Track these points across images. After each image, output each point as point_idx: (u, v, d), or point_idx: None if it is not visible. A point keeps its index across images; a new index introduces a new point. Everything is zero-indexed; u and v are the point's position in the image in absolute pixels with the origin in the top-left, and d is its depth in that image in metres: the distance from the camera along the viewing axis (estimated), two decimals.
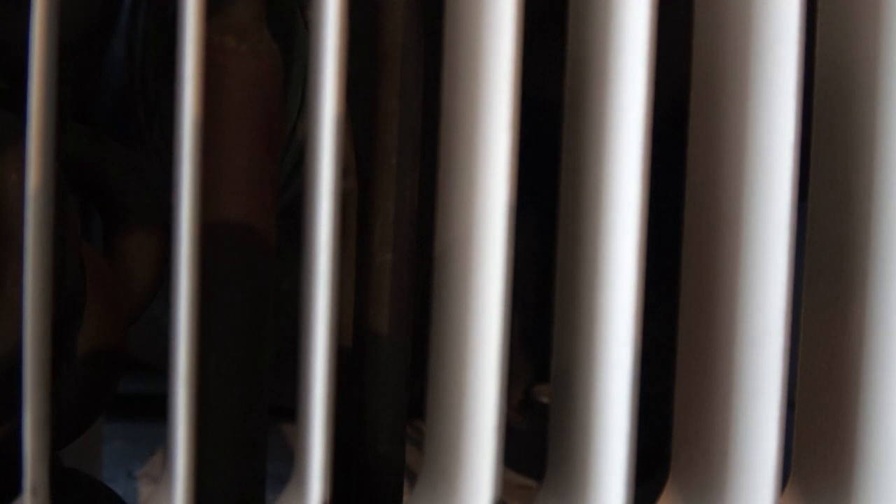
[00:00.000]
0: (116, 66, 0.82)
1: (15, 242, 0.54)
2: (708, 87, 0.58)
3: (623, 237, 0.56)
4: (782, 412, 0.57)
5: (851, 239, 0.58)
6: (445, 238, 0.57)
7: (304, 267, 0.55)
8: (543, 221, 0.80)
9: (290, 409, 0.57)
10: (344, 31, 0.53)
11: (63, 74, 0.55)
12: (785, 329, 0.56)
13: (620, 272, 0.56)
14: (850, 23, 0.58)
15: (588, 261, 0.57)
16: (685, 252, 0.59)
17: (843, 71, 0.58)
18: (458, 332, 0.56)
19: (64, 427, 0.59)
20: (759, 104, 0.56)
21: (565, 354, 0.59)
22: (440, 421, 0.57)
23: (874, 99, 0.57)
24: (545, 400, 0.82)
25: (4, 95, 0.58)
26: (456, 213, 0.56)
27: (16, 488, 0.54)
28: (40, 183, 0.52)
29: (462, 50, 0.56)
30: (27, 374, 0.53)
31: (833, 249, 0.59)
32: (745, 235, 0.57)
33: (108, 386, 0.60)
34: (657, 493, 0.61)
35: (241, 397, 0.57)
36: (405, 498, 0.58)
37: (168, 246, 0.57)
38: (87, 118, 0.82)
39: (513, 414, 0.83)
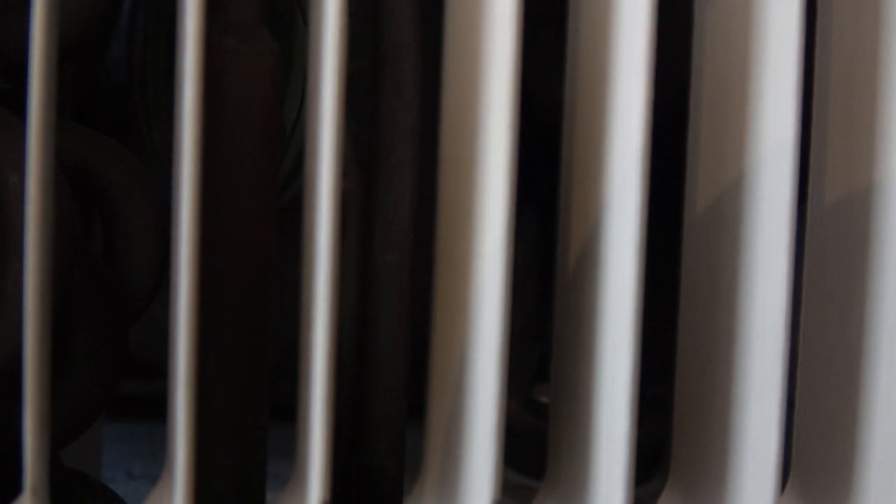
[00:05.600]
0: (116, 66, 0.82)
1: (15, 242, 0.54)
2: (708, 86, 0.58)
3: (623, 237, 0.56)
4: (782, 412, 0.57)
5: (851, 239, 0.58)
6: (445, 238, 0.57)
7: (304, 267, 0.55)
8: (543, 221, 0.80)
9: (290, 409, 0.57)
10: (344, 31, 0.53)
11: (63, 74, 0.55)
12: (785, 329, 0.56)
13: (620, 272, 0.56)
14: (850, 23, 0.58)
15: (588, 260, 0.57)
16: (685, 252, 0.59)
17: (843, 71, 0.58)
18: (458, 332, 0.56)
19: (64, 427, 0.59)
20: (759, 104, 0.56)
21: (565, 354, 0.59)
22: (440, 421, 0.57)
23: (874, 99, 0.57)
24: (545, 400, 0.82)
25: (4, 95, 0.58)
26: (456, 213, 0.56)
27: (16, 488, 0.54)
28: (40, 183, 0.52)
29: (462, 50, 0.56)
30: (27, 374, 0.53)
31: (833, 249, 0.59)
32: (745, 235, 0.57)
33: (108, 386, 0.60)
34: (657, 493, 0.61)
35: (241, 397, 0.57)
36: (405, 498, 0.58)
37: (168, 246, 0.57)
38: (87, 118, 0.82)
39: (513, 414, 0.83)
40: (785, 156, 0.56)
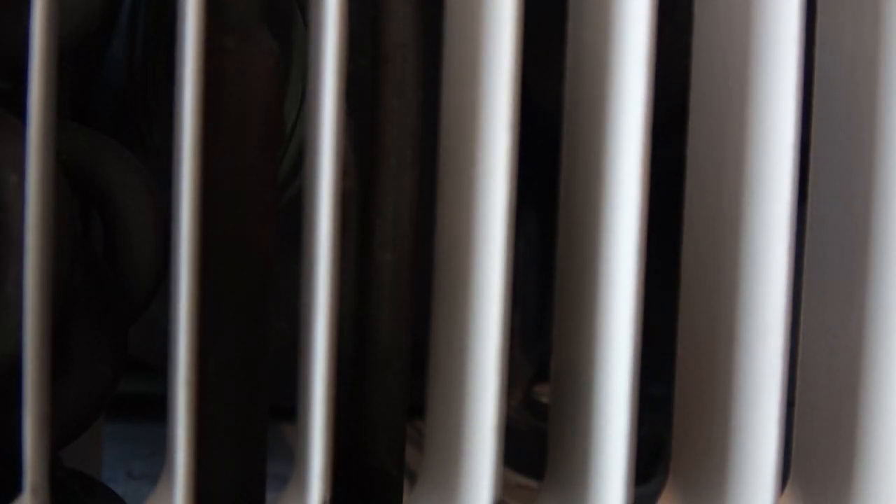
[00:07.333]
0: (116, 66, 0.82)
1: (15, 242, 0.54)
2: (708, 86, 0.58)
3: (623, 237, 0.56)
4: (782, 412, 0.57)
5: (851, 239, 0.58)
6: (445, 238, 0.57)
7: (304, 267, 0.55)
8: (543, 221, 0.80)
9: (290, 409, 0.57)
10: (344, 31, 0.53)
11: (63, 74, 0.55)
12: (785, 329, 0.56)
13: (620, 272, 0.56)
14: (850, 23, 0.58)
15: (588, 260, 0.57)
16: (685, 252, 0.59)
17: (843, 71, 0.58)
18: (458, 331, 0.56)
19: (64, 427, 0.59)
20: (759, 104, 0.56)
21: (565, 354, 0.59)
22: (440, 421, 0.57)
23: (874, 98, 0.57)
24: (545, 400, 0.82)
25: (4, 95, 0.58)
26: (456, 213, 0.56)
27: (16, 488, 0.54)
28: (40, 183, 0.52)
29: (462, 50, 0.56)
30: (27, 374, 0.53)
31: (833, 249, 0.59)
32: (745, 235, 0.57)
33: (108, 386, 0.60)
34: (657, 493, 0.61)
35: (241, 397, 0.57)
36: (405, 498, 0.58)
37: (168, 246, 0.57)
38: (87, 118, 0.82)
39: (513, 414, 0.83)
40: (785, 156, 0.56)
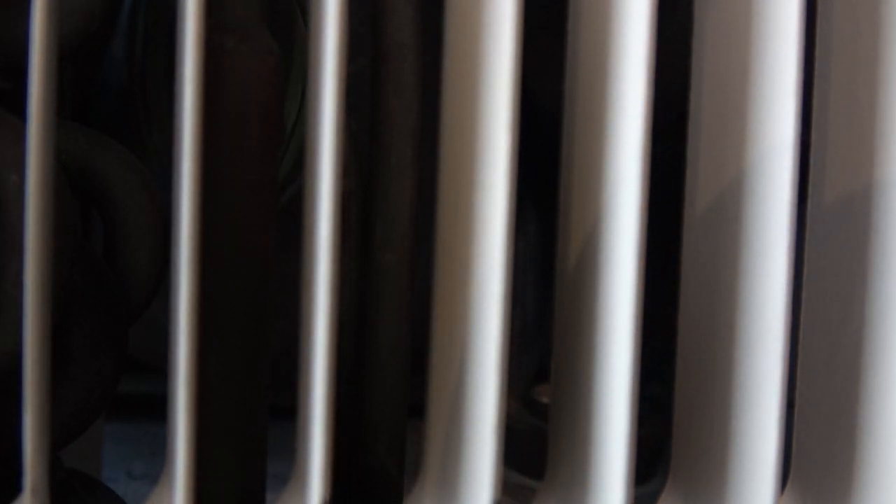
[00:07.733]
0: (116, 66, 0.82)
1: (15, 242, 0.54)
2: (708, 86, 0.58)
3: (623, 236, 0.56)
4: (782, 412, 0.57)
5: (851, 239, 0.58)
6: (445, 238, 0.57)
7: (304, 267, 0.55)
8: (543, 221, 0.80)
9: (290, 409, 0.57)
10: (344, 31, 0.53)
11: (63, 74, 0.55)
12: (785, 329, 0.56)
13: (620, 272, 0.56)
14: (850, 23, 0.58)
15: (588, 260, 0.57)
16: (685, 252, 0.59)
17: (843, 71, 0.58)
18: (458, 331, 0.56)
19: (64, 427, 0.59)
20: (759, 104, 0.56)
21: (565, 354, 0.59)
22: (440, 421, 0.57)
23: (874, 99, 0.57)
24: (545, 400, 0.82)
25: (4, 95, 0.58)
26: (456, 213, 0.56)
27: (16, 488, 0.54)
28: (40, 183, 0.52)
29: (462, 50, 0.56)
30: (27, 374, 0.53)
31: (833, 249, 0.59)
32: (745, 235, 0.57)
33: (108, 386, 0.60)
34: (657, 493, 0.61)
35: (241, 397, 0.57)
36: (405, 498, 0.58)
37: (168, 246, 0.57)
38: (87, 118, 0.82)
39: (513, 414, 0.83)
40: (785, 156, 0.56)
